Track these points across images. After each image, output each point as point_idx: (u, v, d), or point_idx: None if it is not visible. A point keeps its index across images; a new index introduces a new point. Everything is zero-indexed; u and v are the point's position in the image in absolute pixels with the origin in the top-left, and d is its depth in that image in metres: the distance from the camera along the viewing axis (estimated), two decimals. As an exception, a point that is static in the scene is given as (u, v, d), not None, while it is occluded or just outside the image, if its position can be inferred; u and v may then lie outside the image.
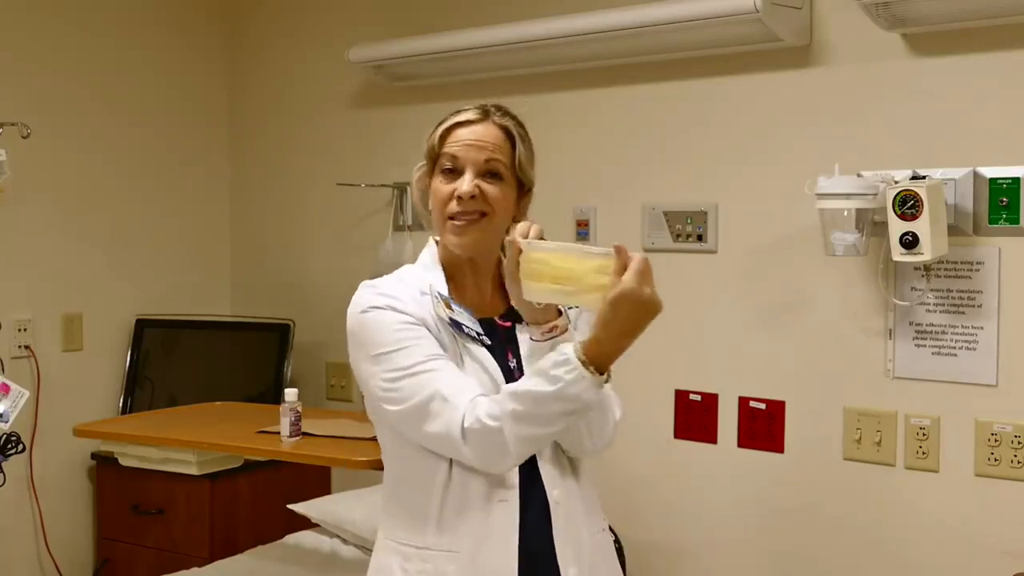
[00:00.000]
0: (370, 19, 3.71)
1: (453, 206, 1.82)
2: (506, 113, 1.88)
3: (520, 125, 1.89)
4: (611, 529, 2.43)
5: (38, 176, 3.50)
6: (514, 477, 1.80)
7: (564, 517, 1.83)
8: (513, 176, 1.86)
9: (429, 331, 1.81)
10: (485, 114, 1.86)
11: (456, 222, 1.82)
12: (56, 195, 3.64)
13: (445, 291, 1.86)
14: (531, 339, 1.81)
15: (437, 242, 1.93)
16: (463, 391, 1.75)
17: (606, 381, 1.69)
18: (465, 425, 1.74)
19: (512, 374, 1.84)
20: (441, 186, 1.84)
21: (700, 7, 2.83)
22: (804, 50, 2.87)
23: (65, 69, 3.67)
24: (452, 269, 1.90)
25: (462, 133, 1.84)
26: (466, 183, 1.81)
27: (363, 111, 3.78)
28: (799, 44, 2.85)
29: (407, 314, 1.82)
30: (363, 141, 3.76)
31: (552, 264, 1.71)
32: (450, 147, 1.83)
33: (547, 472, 1.84)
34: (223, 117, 4.14)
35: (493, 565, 1.78)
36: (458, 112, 1.87)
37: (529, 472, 1.82)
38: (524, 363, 1.83)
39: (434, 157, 1.86)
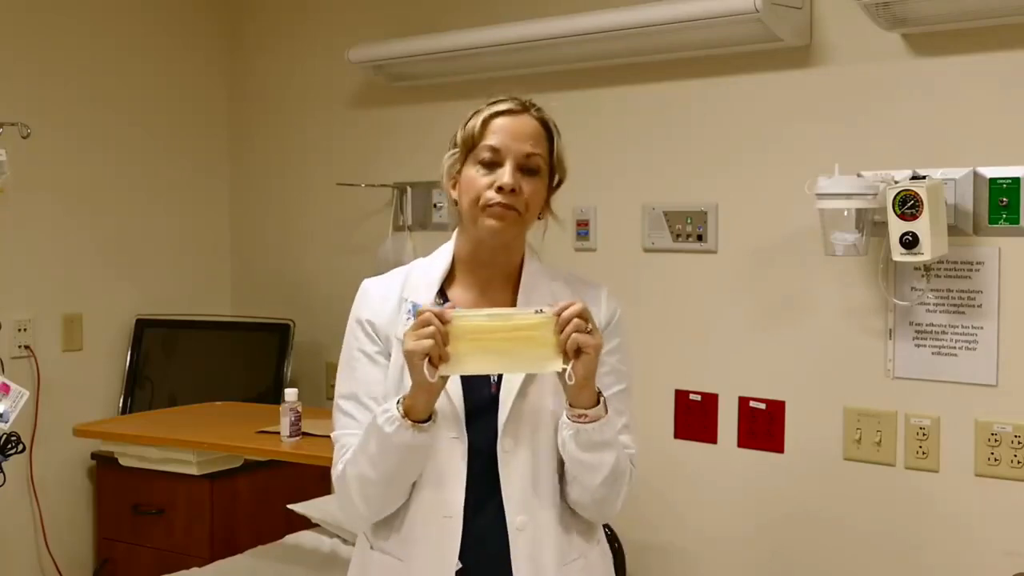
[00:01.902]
0: (370, 19, 3.71)
1: (491, 194, 1.78)
2: (537, 105, 1.87)
3: (551, 117, 1.88)
4: (613, 535, 2.42)
5: (38, 176, 3.50)
6: (459, 494, 1.78)
7: (527, 544, 1.79)
8: (548, 170, 1.85)
9: (388, 352, 1.83)
10: (524, 107, 1.84)
11: (490, 212, 1.79)
12: (56, 195, 3.64)
13: (432, 297, 1.84)
14: (565, 416, 1.76)
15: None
16: (350, 441, 1.84)
17: (427, 423, 1.72)
18: (334, 475, 1.85)
19: (491, 387, 1.82)
20: (478, 177, 1.79)
21: (700, 7, 2.83)
22: (804, 50, 2.87)
23: (65, 69, 3.67)
24: (465, 264, 1.88)
25: (502, 123, 1.81)
26: (507, 175, 1.78)
27: (363, 111, 3.78)
28: (799, 44, 2.85)
29: (371, 336, 1.86)
30: (363, 141, 3.76)
31: (487, 331, 1.69)
32: (491, 137, 1.80)
33: (512, 498, 1.79)
34: (223, 117, 4.14)
35: None
36: (496, 102, 1.83)
37: (485, 494, 1.79)
38: (560, 445, 1.79)
39: (470, 146, 1.81)
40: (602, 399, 1.75)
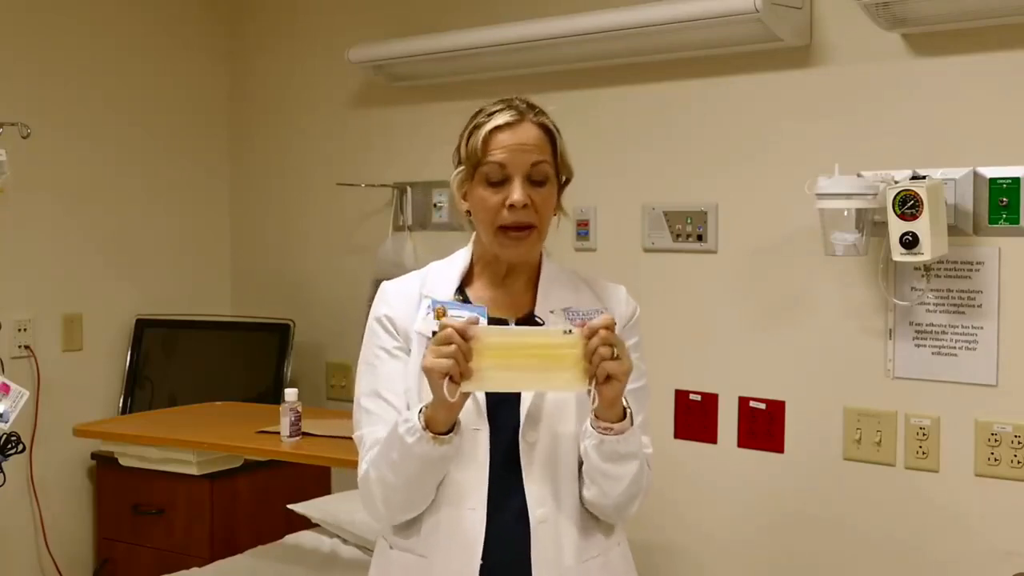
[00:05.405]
0: (370, 19, 3.71)
1: (505, 215, 1.79)
2: (536, 108, 1.86)
3: (550, 118, 1.87)
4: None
5: (38, 176, 3.50)
6: (483, 486, 1.78)
7: (547, 538, 1.79)
8: (556, 174, 1.85)
9: (408, 349, 1.83)
10: (521, 114, 1.82)
11: (511, 234, 1.80)
12: (56, 195, 3.64)
13: (451, 294, 1.85)
14: (589, 425, 1.75)
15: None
16: (373, 438, 1.82)
17: (449, 434, 1.71)
18: (359, 475, 1.83)
19: None
20: (489, 196, 1.80)
21: (700, 7, 2.83)
22: (804, 50, 2.87)
23: (65, 69, 3.67)
24: (484, 264, 1.89)
25: (503, 138, 1.80)
26: (517, 192, 1.78)
27: (363, 111, 3.78)
28: (799, 44, 2.85)
29: (391, 332, 1.86)
30: (363, 141, 3.76)
31: (511, 348, 1.66)
32: (495, 154, 1.79)
33: (534, 490, 1.79)
34: (223, 117, 4.14)
35: (454, 572, 1.78)
36: (492, 115, 1.82)
37: (506, 486, 1.79)
38: (582, 453, 1.78)
39: (475, 163, 1.81)
40: (628, 412, 1.74)
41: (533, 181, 1.80)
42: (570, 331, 1.66)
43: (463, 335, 1.63)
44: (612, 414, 1.73)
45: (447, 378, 1.63)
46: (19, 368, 3.50)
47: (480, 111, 1.85)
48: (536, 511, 1.79)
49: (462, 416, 1.74)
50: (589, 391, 1.67)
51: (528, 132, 1.81)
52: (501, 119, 1.81)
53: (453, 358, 1.62)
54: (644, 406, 1.88)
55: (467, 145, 1.83)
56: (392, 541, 1.87)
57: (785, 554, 2.93)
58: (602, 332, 1.65)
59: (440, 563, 1.79)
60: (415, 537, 1.82)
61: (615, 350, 1.65)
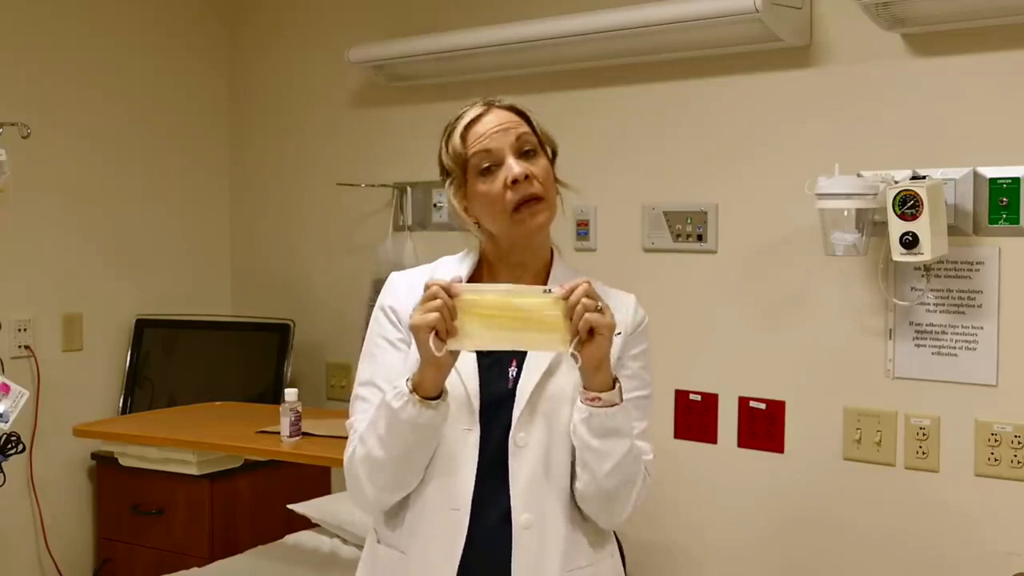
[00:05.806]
0: (370, 19, 3.71)
1: (511, 196, 1.78)
2: (498, 98, 1.88)
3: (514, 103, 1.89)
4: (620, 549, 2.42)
5: (38, 176, 3.50)
6: (468, 486, 1.77)
7: (531, 544, 1.77)
8: (541, 146, 1.85)
9: (410, 341, 1.81)
10: (486, 105, 1.85)
11: (523, 209, 1.79)
12: (56, 195, 3.64)
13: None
14: (579, 401, 1.75)
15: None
16: (363, 426, 1.82)
17: (436, 400, 1.71)
18: (345, 459, 1.83)
19: (508, 382, 1.81)
20: (489, 186, 1.80)
21: (700, 7, 2.83)
22: (804, 50, 2.87)
23: (65, 69, 3.67)
24: (493, 264, 1.89)
25: (479, 128, 1.82)
26: (514, 167, 1.78)
27: (363, 111, 3.78)
28: (799, 44, 2.85)
29: (395, 323, 1.86)
30: (363, 141, 3.76)
31: (495, 308, 1.67)
32: (477, 144, 1.81)
33: (520, 494, 1.78)
34: (223, 117, 4.14)
35: (432, 569, 1.78)
36: (461, 116, 1.85)
37: (494, 488, 1.78)
38: (572, 431, 1.78)
39: (463, 164, 1.82)
40: (617, 384, 1.74)
41: (523, 154, 1.81)
42: (549, 290, 1.68)
43: (448, 292, 1.67)
44: (598, 381, 1.72)
45: (433, 332, 1.65)
46: (19, 368, 3.50)
47: (447, 124, 1.87)
48: (520, 516, 1.77)
49: (454, 414, 1.74)
50: (573, 355, 1.68)
51: (499, 115, 1.84)
52: (470, 115, 1.84)
53: (439, 312, 1.65)
54: (647, 415, 1.87)
55: (448, 152, 1.84)
56: (380, 534, 1.87)
57: (785, 554, 2.93)
58: (582, 286, 1.66)
59: (419, 559, 1.79)
60: (399, 530, 1.82)
61: (598, 304, 1.67)
